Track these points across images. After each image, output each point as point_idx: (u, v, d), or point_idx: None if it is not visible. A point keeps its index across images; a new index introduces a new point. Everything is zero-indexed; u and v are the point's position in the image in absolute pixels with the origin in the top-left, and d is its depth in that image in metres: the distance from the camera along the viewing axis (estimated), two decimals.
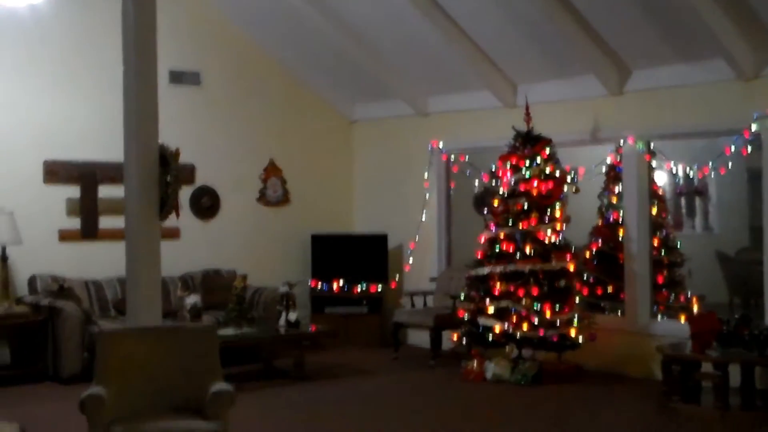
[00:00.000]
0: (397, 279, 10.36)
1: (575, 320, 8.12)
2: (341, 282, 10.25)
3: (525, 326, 8.01)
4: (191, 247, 9.80)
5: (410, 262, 10.33)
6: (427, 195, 10.23)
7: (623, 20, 7.88)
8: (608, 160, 9.17)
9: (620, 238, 8.91)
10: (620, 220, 9.09)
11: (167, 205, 6.45)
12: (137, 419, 4.88)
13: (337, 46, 9.89)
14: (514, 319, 8.06)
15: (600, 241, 9.59)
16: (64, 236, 9.09)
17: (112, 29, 6.95)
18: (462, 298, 8.62)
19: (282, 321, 8.48)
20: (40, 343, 8.26)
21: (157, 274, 6.54)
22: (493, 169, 8.88)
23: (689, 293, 9.32)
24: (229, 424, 4.95)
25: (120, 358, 5.16)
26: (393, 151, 10.79)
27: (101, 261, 9.03)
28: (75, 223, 9.17)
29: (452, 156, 10.11)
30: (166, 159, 6.47)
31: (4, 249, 8.33)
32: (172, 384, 5.16)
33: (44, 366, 8.23)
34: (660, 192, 9.71)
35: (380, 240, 10.44)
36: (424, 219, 10.21)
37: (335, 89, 10.94)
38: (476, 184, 9.89)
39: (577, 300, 8.36)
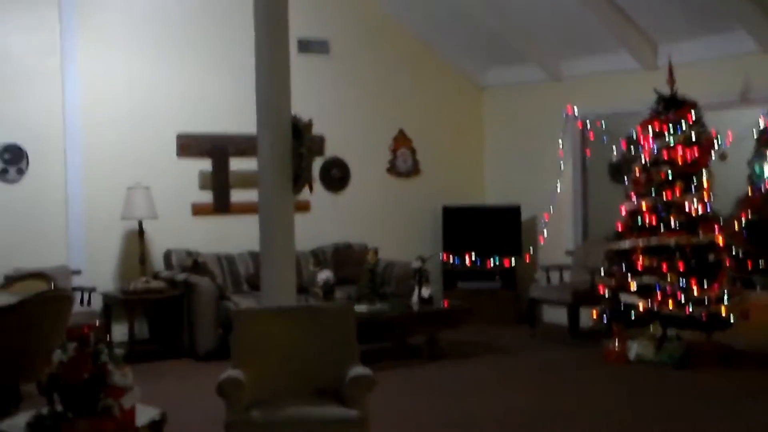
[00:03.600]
0: (530, 252, 10.02)
1: (725, 297, 7.62)
2: (473, 255, 9.98)
3: (670, 304, 7.56)
4: (322, 221, 9.71)
5: (545, 234, 9.96)
6: (562, 164, 9.82)
7: None
8: (760, 124, 8.55)
9: None
10: None
11: (302, 178, 6.33)
12: (275, 403, 4.76)
13: (467, 9, 9.56)
14: (659, 296, 7.62)
15: (749, 211, 8.99)
16: (197, 210, 9.12)
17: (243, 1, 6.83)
18: (602, 272, 8.22)
19: (415, 297, 8.26)
20: (176, 319, 8.32)
21: (291, 248, 6.46)
22: (633, 136, 8.40)
23: None
24: (368, 410, 4.77)
25: (257, 339, 5.05)
26: (526, 117, 10.41)
27: (233, 235, 9.04)
28: (207, 197, 9.19)
29: (588, 122, 9.67)
30: (299, 130, 6.34)
31: (141, 224, 8.40)
32: (309, 366, 5.03)
33: (180, 341, 8.29)
34: None
35: (513, 212, 10.11)
36: (558, 189, 9.81)
37: (465, 55, 10.61)
38: (614, 151, 9.41)
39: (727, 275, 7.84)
